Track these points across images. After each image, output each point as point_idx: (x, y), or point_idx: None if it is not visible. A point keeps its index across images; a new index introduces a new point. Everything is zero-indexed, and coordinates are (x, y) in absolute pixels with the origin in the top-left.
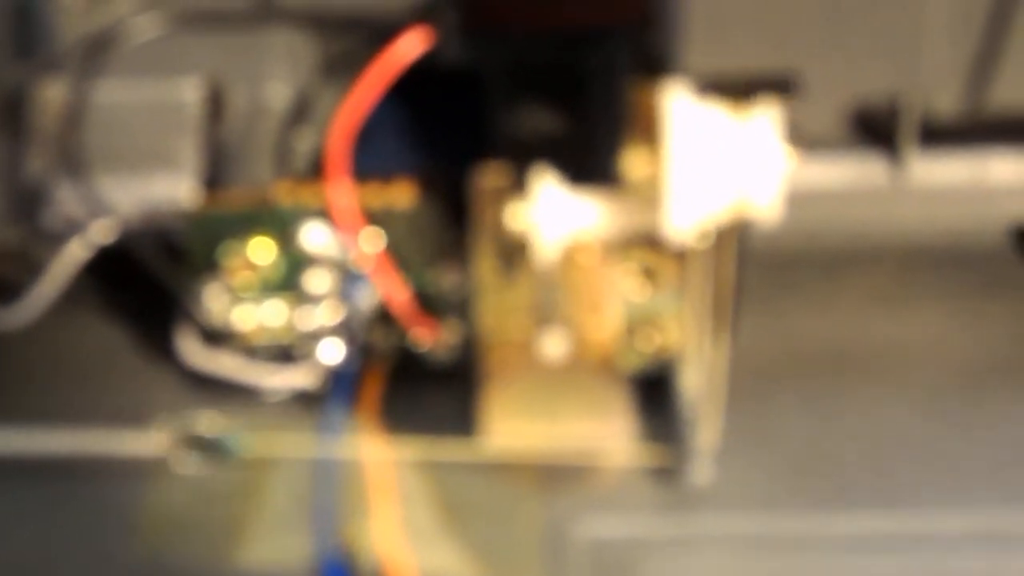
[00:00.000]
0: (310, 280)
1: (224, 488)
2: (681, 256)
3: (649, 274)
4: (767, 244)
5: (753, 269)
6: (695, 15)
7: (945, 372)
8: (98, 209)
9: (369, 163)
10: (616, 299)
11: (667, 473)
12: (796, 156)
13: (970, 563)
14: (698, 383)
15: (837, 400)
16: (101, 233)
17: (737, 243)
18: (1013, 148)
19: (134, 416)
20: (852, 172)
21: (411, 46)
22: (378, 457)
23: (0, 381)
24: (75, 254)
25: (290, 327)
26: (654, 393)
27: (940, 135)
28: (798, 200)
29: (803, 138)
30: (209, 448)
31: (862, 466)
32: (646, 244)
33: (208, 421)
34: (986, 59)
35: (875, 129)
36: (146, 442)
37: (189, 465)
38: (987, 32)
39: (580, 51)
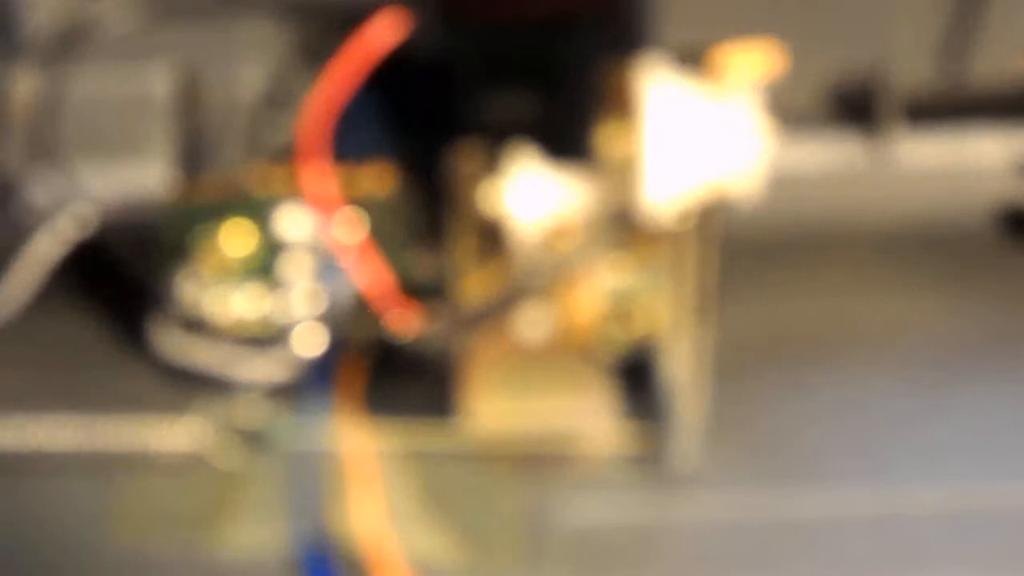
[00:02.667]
0: (286, 266)
1: (205, 478)
2: (659, 237)
3: (627, 255)
4: (749, 227)
5: (735, 251)
6: None
7: (926, 353)
8: (73, 199)
9: (345, 150)
10: (594, 280)
11: (650, 457)
12: (775, 134)
13: (956, 538)
14: (681, 366)
15: (819, 381)
16: (76, 224)
17: (718, 225)
18: (995, 124)
19: (110, 407)
20: (832, 153)
21: (381, 35)
22: (359, 443)
23: None
24: (49, 246)
25: (267, 314)
26: (635, 376)
27: (920, 112)
28: (778, 182)
29: (782, 114)
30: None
31: (846, 446)
32: (623, 225)
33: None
34: (964, 30)
35: (854, 105)
36: (117, 434)
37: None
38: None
39: (553, 38)
